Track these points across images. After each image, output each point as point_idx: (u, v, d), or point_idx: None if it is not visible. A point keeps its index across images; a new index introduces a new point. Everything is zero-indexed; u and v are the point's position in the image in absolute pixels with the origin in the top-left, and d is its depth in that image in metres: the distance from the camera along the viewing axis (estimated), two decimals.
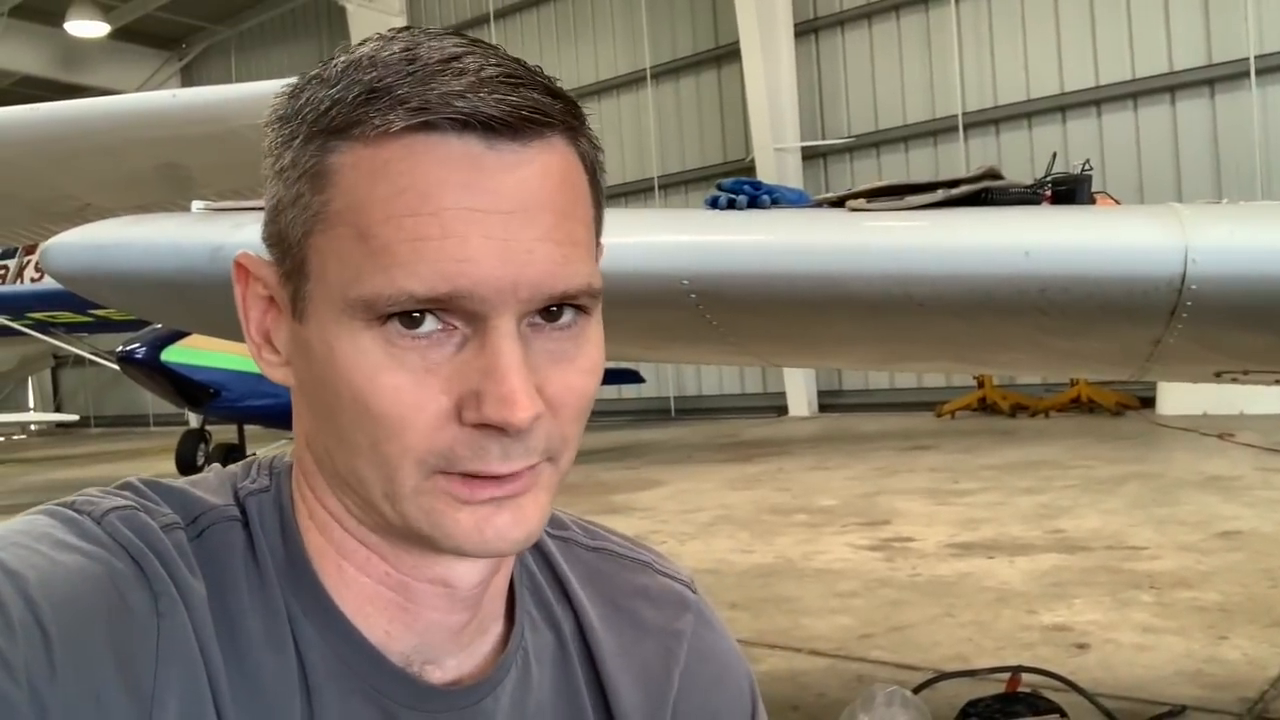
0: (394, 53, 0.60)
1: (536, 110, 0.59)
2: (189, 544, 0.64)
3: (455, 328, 0.59)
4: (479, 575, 0.69)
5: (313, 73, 0.63)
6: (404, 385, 0.59)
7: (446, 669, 0.70)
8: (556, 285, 0.60)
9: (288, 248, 0.63)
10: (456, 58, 0.59)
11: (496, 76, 0.59)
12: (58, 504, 0.64)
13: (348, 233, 0.59)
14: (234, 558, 0.65)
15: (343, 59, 0.61)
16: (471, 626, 0.71)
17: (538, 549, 0.80)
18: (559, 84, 0.63)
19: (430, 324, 0.59)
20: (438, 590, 0.68)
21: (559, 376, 0.62)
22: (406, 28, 0.63)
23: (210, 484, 0.70)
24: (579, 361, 0.63)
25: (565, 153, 0.62)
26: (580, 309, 0.63)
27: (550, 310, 0.61)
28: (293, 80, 0.64)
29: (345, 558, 0.67)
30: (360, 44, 0.63)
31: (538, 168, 0.60)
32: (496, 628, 0.74)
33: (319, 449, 0.66)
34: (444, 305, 0.58)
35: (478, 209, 0.58)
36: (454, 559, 0.66)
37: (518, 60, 0.61)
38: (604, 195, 0.68)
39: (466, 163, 0.58)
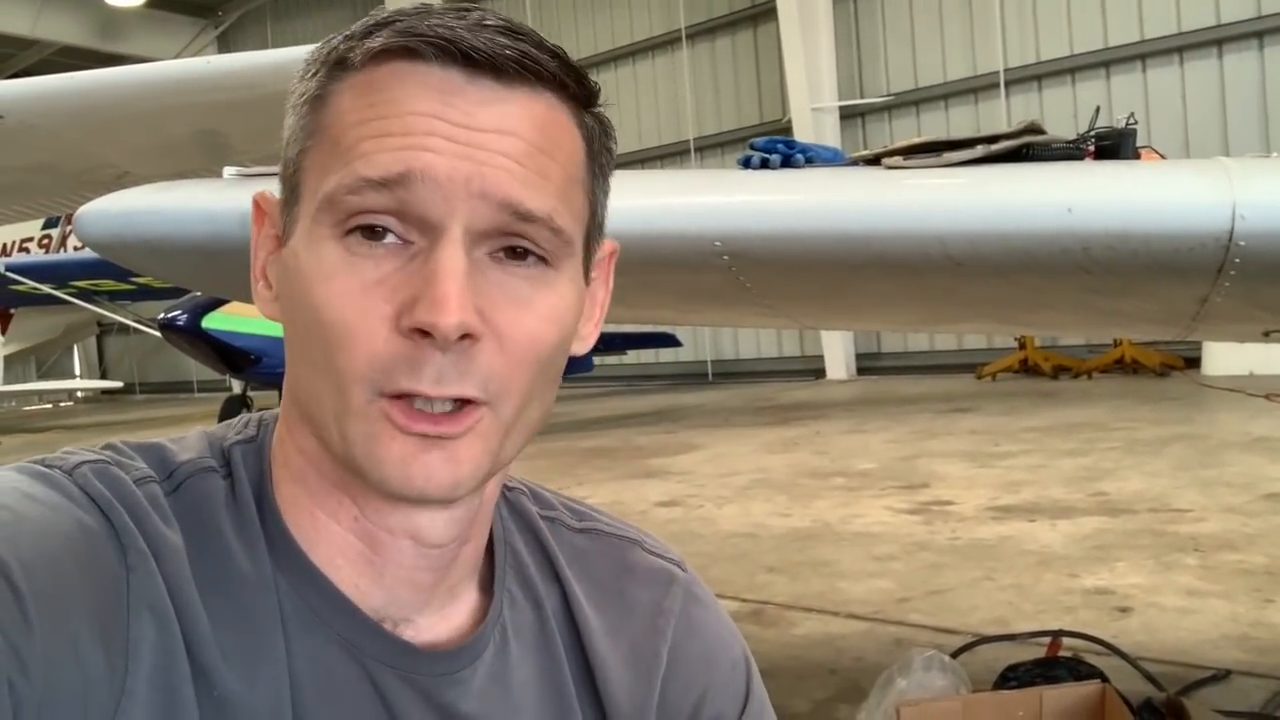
0: (414, 7, 0.64)
1: (526, 58, 0.61)
2: (165, 497, 0.64)
3: (412, 243, 0.61)
4: (446, 532, 0.68)
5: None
6: (351, 291, 0.60)
7: (420, 629, 0.70)
8: (513, 194, 0.61)
9: (286, 176, 0.66)
10: (469, 11, 0.62)
11: (495, 25, 0.61)
12: (31, 460, 0.64)
13: (326, 143, 0.63)
14: (214, 506, 0.66)
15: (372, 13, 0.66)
16: (441, 588, 0.71)
17: (527, 528, 0.80)
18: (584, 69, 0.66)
19: (390, 239, 0.61)
20: (404, 544, 0.68)
21: (512, 312, 0.62)
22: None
23: (190, 441, 0.71)
24: (537, 305, 0.63)
25: (555, 109, 0.64)
26: (544, 259, 0.63)
27: (515, 251, 0.62)
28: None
29: (318, 505, 0.67)
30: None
31: (517, 107, 0.62)
32: (470, 595, 0.74)
33: (294, 381, 0.66)
34: (399, 206, 0.60)
35: (445, 120, 0.60)
36: (416, 508, 0.66)
37: (528, 28, 0.63)
38: (606, 178, 0.69)
39: (444, 88, 0.61)
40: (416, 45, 0.60)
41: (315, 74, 0.65)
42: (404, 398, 0.61)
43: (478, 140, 0.60)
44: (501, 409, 0.63)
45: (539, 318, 0.63)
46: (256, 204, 0.70)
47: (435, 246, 0.60)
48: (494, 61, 0.60)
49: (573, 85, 0.64)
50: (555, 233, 0.63)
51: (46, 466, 0.63)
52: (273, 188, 0.69)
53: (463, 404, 0.62)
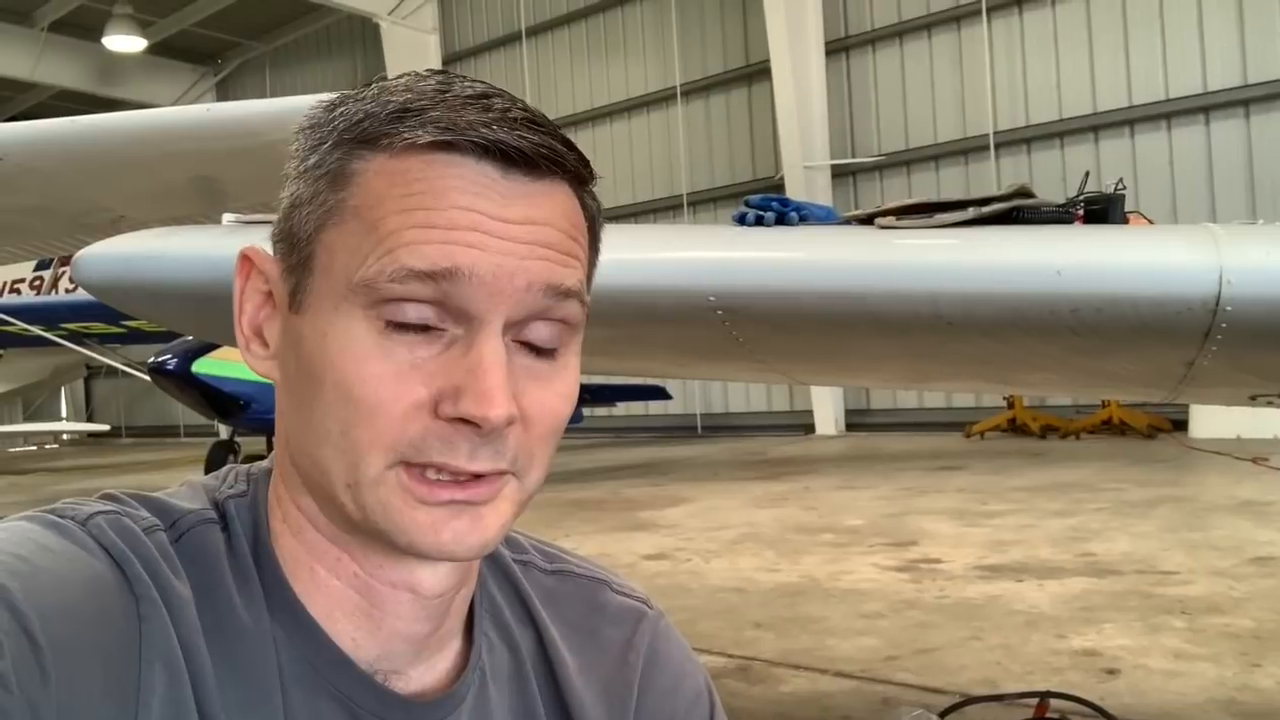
0: (429, 84, 0.65)
1: (553, 153, 0.64)
2: (171, 546, 0.66)
3: (446, 330, 0.62)
4: (445, 583, 0.70)
5: (351, 93, 0.67)
6: (386, 375, 0.62)
7: (409, 680, 0.72)
8: (553, 278, 0.64)
9: (296, 242, 0.66)
10: (486, 95, 0.64)
11: (520, 119, 0.63)
12: (42, 510, 0.65)
13: (359, 226, 0.63)
14: (216, 557, 0.67)
15: (380, 85, 0.66)
16: (434, 639, 0.72)
17: (501, 572, 0.82)
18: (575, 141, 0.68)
19: (426, 325, 0.62)
20: (403, 596, 0.69)
21: (536, 393, 0.65)
22: (443, 71, 0.68)
23: (184, 494, 0.72)
24: (556, 385, 0.66)
25: (571, 196, 0.67)
26: (568, 325, 0.66)
27: (533, 346, 0.65)
28: (330, 95, 0.69)
29: (317, 560, 0.69)
30: (398, 77, 0.67)
31: (545, 199, 0.64)
32: (456, 643, 0.76)
33: (293, 443, 0.68)
34: (441, 297, 0.61)
35: (485, 214, 0.62)
36: (419, 562, 0.68)
37: (540, 113, 0.66)
38: (599, 253, 0.72)
39: (480, 181, 0.63)
40: (459, 142, 0.62)
41: (331, 145, 0.65)
42: (422, 468, 0.62)
43: (515, 234, 0.62)
44: (526, 479, 0.66)
45: (557, 396, 0.66)
46: (247, 257, 0.70)
47: (476, 338, 0.62)
48: (529, 159, 0.63)
49: (583, 172, 0.67)
50: (583, 305, 0.67)
51: (59, 517, 0.64)
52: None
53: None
